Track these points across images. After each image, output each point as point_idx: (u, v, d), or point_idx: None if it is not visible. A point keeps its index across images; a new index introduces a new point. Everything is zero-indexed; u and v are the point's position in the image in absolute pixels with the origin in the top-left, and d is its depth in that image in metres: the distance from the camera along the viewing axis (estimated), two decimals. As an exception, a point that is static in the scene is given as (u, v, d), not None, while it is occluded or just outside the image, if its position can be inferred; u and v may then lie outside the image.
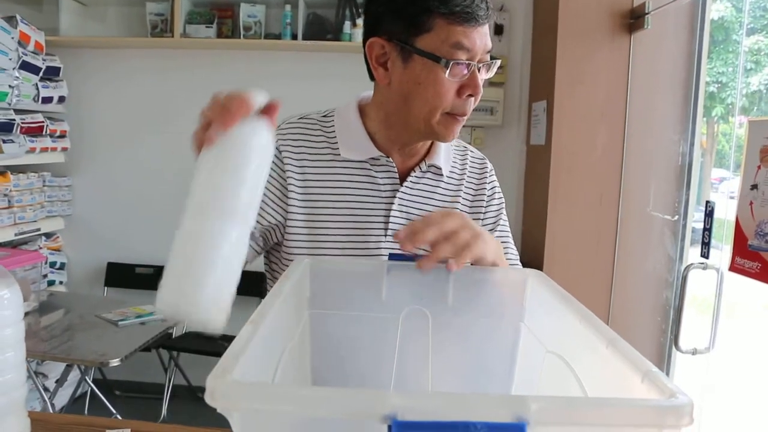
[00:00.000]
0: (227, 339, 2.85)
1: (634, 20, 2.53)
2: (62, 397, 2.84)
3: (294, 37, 2.93)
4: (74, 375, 2.82)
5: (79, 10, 3.09)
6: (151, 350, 2.97)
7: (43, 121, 2.84)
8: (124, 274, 3.22)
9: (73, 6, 3.04)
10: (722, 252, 1.81)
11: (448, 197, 1.07)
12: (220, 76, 3.04)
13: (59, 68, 2.95)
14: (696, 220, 2.40)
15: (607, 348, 0.53)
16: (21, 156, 2.70)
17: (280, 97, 0.68)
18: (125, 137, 3.21)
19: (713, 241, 1.73)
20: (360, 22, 2.84)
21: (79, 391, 2.97)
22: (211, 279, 0.58)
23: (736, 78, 2.46)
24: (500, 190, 1.13)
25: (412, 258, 0.80)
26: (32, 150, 2.78)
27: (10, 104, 2.60)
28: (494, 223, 1.10)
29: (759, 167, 1.30)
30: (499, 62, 0.96)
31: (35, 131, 2.80)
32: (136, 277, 3.19)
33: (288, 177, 1.00)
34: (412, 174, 1.04)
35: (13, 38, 2.56)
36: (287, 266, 0.99)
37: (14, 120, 2.61)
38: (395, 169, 1.03)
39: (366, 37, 0.97)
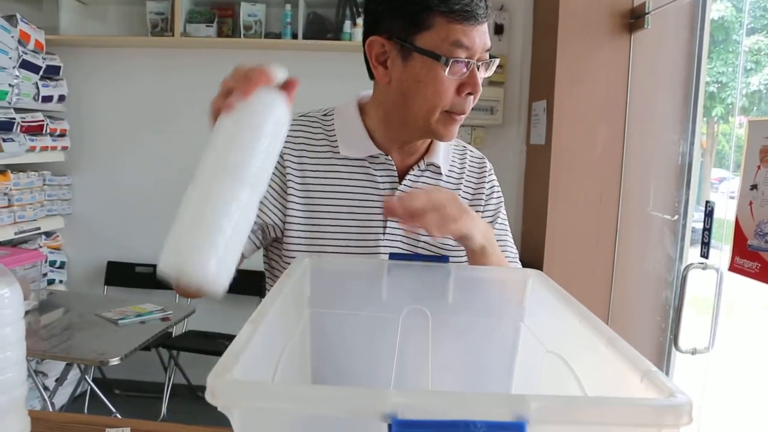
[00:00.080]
0: (227, 338, 2.85)
1: (634, 20, 2.53)
2: (62, 396, 2.84)
3: (294, 36, 2.93)
4: (74, 374, 2.83)
5: (79, 9, 3.09)
6: (151, 349, 2.97)
7: (43, 120, 2.84)
8: (123, 273, 3.22)
9: (73, 5, 3.04)
10: (722, 252, 1.81)
11: None
12: (220, 75, 2.98)
13: (59, 67, 2.95)
14: (696, 219, 2.40)
15: (606, 347, 0.53)
16: (21, 155, 2.70)
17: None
18: (125, 136, 3.21)
19: (713, 241, 1.73)
20: (360, 21, 2.84)
21: (78, 390, 2.97)
22: (219, 240, 0.57)
23: (736, 78, 2.46)
24: (499, 189, 1.14)
25: (412, 257, 0.80)
26: (32, 149, 2.78)
27: (10, 103, 2.60)
28: (492, 220, 1.10)
29: (759, 167, 1.30)
30: (498, 61, 0.97)
31: (35, 130, 2.80)
32: (135, 276, 3.19)
33: (287, 174, 1.00)
34: (411, 172, 1.04)
35: (13, 37, 2.56)
36: (287, 264, 1.00)
37: (14, 119, 2.61)
38: (394, 168, 1.03)
39: (366, 35, 0.98)
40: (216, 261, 0.57)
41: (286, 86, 0.69)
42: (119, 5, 3.14)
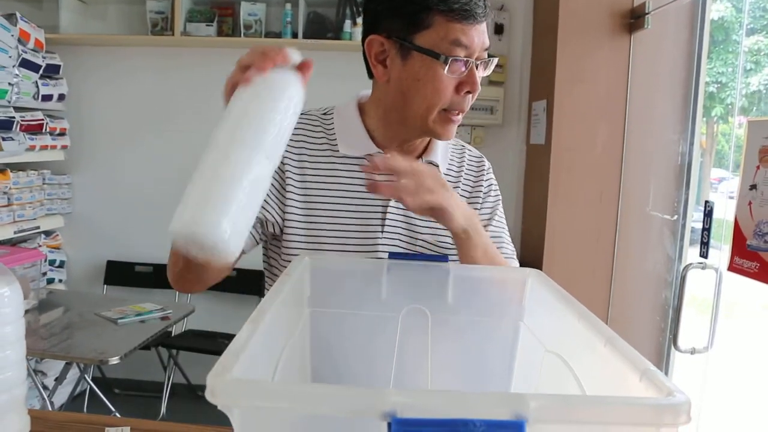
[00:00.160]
0: (227, 337, 2.85)
1: (634, 20, 2.53)
2: (61, 395, 2.84)
3: (294, 35, 2.93)
4: (73, 373, 2.82)
5: (79, 8, 3.09)
6: (151, 348, 2.97)
7: (42, 119, 2.84)
8: (123, 272, 3.22)
9: (73, 4, 3.04)
10: (721, 252, 1.81)
11: None
12: (220, 74, 2.99)
13: (59, 66, 2.95)
14: (695, 219, 2.40)
15: (605, 347, 0.53)
16: (21, 154, 2.70)
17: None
18: (125, 135, 3.21)
19: (712, 241, 1.73)
20: (360, 20, 2.84)
21: (78, 390, 2.97)
22: (234, 204, 0.57)
23: (735, 78, 2.46)
24: (497, 187, 1.14)
25: (412, 257, 0.80)
26: (32, 148, 2.78)
27: (9, 102, 2.60)
28: (489, 217, 1.10)
29: (758, 167, 1.30)
30: (496, 60, 0.98)
31: (35, 129, 2.80)
32: (135, 276, 3.20)
33: (286, 172, 1.00)
34: None
35: (12, 36, 2.56)
36: (286, 263, 1.00)
37: (14, 118, 2.61)
38: None
39: (365, 34, 0.99)
40: (229, 223, 0.57)
41: (301, 68, 0.71)
42: (119, 4, 3.14)
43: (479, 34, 0.92)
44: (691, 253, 2.38)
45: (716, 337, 1.84)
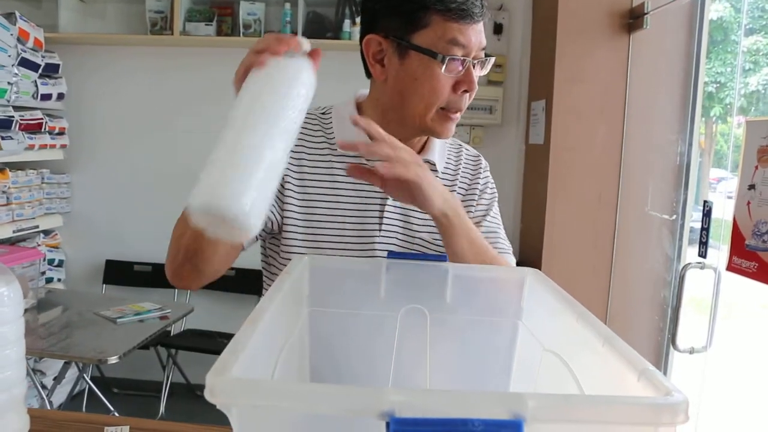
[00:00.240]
0: (226, 336, 2.85)
1: (633, 20, 2.53)
2: (60, 395, 2.84)
3: (294, 35, 2.93)
4: (72, 372, 2.82)
5: (78, 7, 3.09)
6: (150, 348, 2.97)
7: (41, 118, 2.83)
8: (122, 271, 3.22)
9: (72, 3, 3.04)
10: (720, 252, 1.81)
11: None
12: (219, 74, 3.02)
13: (58, 65, 2.95)
14: (694, 219, 2.40)
15: (604, 346, 0.53)
16: (20, 153, 2.70)
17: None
18: (124, 135, 3.21)
19: (711, 241, 1.74)
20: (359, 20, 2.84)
21: (77, 389, 2.97)
22: (255, 179, 0.58)
23: (734, 78, 2.46)
24: (494, 185, 1.15)
25: (411, 256, 0.80)
26: (31, 147, 2.78)
27: (8, 101, 2.60)
28: (485, 212, 1.11)
29: (756, 167, 1.30)
30: (493, 59, 0.98)
31: (34, 128, 2.80)
32: (134, 275, 3.20)
33: (285, 170, 1.00)
34: None
35: (12, 35, 2.56)
36: (284, 261, 1.00)
37: (13, 117, 2.61)
38: None
39: (363, 34, 0.99)
40: (251, 197, 0.57)
41: (311, 55, 0.74)
42: (118, 3, 3.13)
43: (476, 34, 0.93)
44: (690, 253, 2.38)
45: (715, 337, 1.84)
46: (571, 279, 2.56)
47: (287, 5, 2.94)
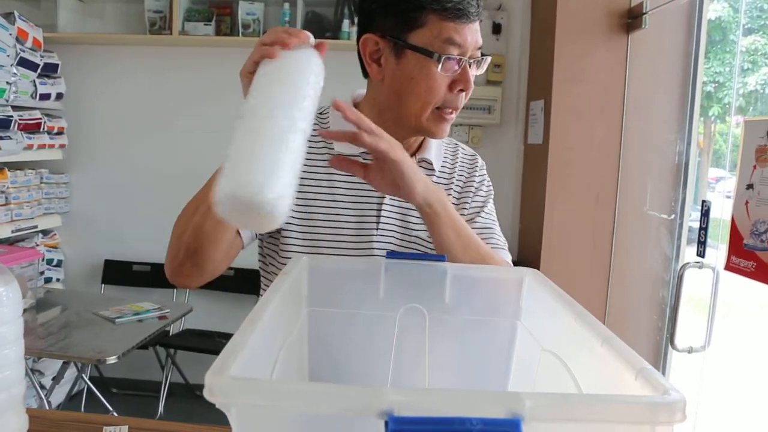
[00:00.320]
0: (225, 336, 2.85)
1: (631, 20, 2.54)
2: (58, 395, 2.83)
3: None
4: (71, 372, 2.82)
5: (77, 7, 3.09)
6: (148, 348, 2.97)
7: (40, 118, 2.83)
8: (121, 271, 3.22)
9: (71, 3, 3.03)
10: (718, 251, 1.82)
11: None
12: (218, 74, 3.04)
13: (57, 65, 2.95)
14: (692, 219, 2.41)
15: (602, 346, 0.53)
16: (18, 153, 2.70)
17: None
18: (123, 134, 3.21)
19: (709, 240, 1.74)
20: (358, 20, 2.84)
21: (75, 389, 2.96)
22: (281, 167, 0.58)
23: (732, 78, 2.47)
24: (489, 183, 1.15)
25: (410, 256, 0.80)
26: (30, 147, 2.78)
27: (7, 101, 2.60)
28: (479, 209, 1.11)
29: (754, 167, 1.30)
30: (489, 59, 0.99)
31: (33, 128, 2.80)
32: (133, 275, 3.19)
33: None
34: None
35: (11, 35, 2.55)
36: (284, 259, 1.00)
37: (12, 117, 2.61)
38: None
39: (360, 33, 1.00)
40: (279, 183, 0.57)
41: (317, 48, 0.76)
42: (117, 3, 3.13)
43: (472, 33, 0.94)
44: (689, 253, 2.39)
45: (713, 336, 1.84)
46: (570, 279, 2.57)
47: (286, 5, 2.94)
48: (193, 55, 3.13)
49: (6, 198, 2.73)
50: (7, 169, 2.74)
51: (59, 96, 3.01)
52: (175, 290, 3.13)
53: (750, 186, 1.32)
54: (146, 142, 3.19)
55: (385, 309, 0.78)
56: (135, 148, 3.21)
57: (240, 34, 2.95)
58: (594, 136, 2.62)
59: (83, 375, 2.84)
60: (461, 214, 1.06)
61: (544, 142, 2.68)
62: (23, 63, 2.66)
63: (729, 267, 1.38)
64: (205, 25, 2.96)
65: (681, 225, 2.44)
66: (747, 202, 1.33)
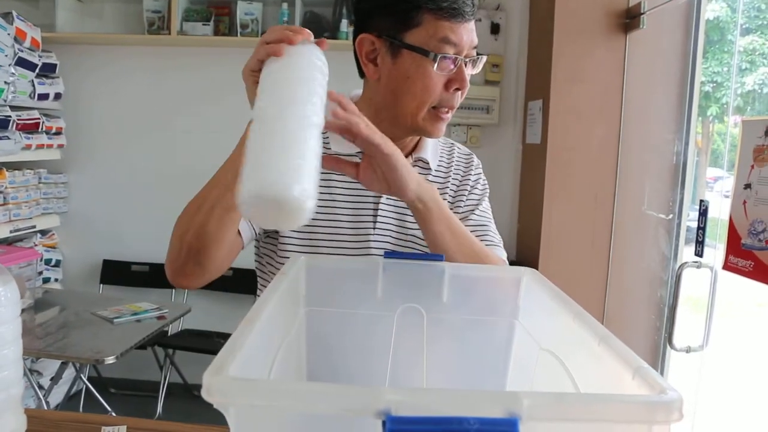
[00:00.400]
0: (223, 336, 2.85)
1: (629, 20, 2.54)
2: (57, 395, 2.83)
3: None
4: (69, 373, 2.82)
5: (75, 7, 3.08)
6: (147, 348, 2.97)
7: (39, 118, 2.83)
8: (119, 271, 3.22)
9: (69, 2, 3.03)
10: (716, 251, 1.82)
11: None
12: (216, 74, 3.04)
13: (55, 65, 2.95)
14: (691, 218, 2.41)
15: (599, 345, 0.53)
16: (17, 153, 2.70)
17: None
18: (121, 134, 3.21)
19: (707, 240, 1.74)
20: (357, 20, 2.84)
21: (74, 389, 2.96)
22: (303, 163, 0.59)
23: (730, 77, 2.47)
24: (485, 182, 1.16)
25: (408, 256, 0.80)
26: (28, 147, 2.78)
27: (6, 101, 2.60)
28: (474, 207, 1.11)
29: (752, 167, 1.31)
30: (485, 58, 0.99)
31: (31, 128, 2.79)
32: (131, 275, 3.19)
33: None
34: None
35: (9, 34, 2.55)
36: (282, 258, 1.00)
37: (10, 116, 2.61)
38: None
39: (356, 33, 1.00)
40: (304, 179, 0.58)
41: (318, 45, 0.76)
42: (116, 3, 3.13)
43: (468, 32, 0.94)
44: (687, 252, 2.39)
45: (711, 336, 1.85)
46: (568, 278, 2.57)
47: (284, 5, 2.94)
48: (192, 55, 3.12)
49: (4, 198, 2.72)
50: (5, 169, 2.74)
51: (57, 96, 3.01)
52: (173, 290, 3.13)
53: (748, 186, 1.32)
54: (145, 142, 3.19)
55: (383, 309, 0.78)
56: (133, 148, 3.20)
57: (238, 34, 2.95)
58: (592, 136, 2.62)
59: (81, 375, 2.84)
60: (456, 213, 1.06)
61: (542, 142, 2.68)
62: (21, 63, 2.66)
63: (727, 266, 1.38)
64: (203, 25, 2.96)
65: (679, 225, 2.45)
66: (745, 202, 1.33)
